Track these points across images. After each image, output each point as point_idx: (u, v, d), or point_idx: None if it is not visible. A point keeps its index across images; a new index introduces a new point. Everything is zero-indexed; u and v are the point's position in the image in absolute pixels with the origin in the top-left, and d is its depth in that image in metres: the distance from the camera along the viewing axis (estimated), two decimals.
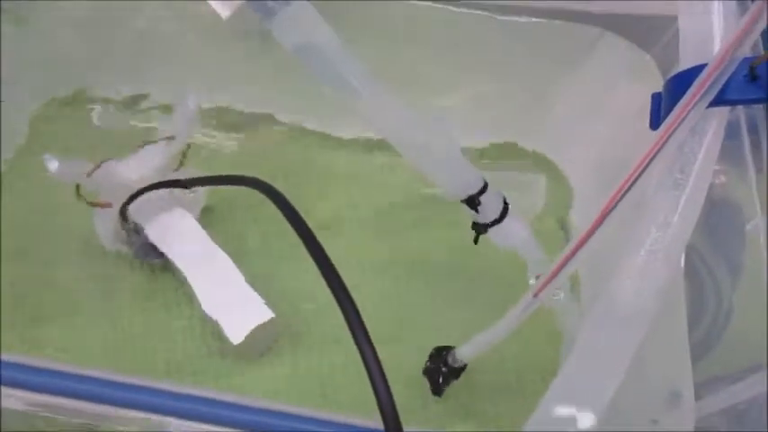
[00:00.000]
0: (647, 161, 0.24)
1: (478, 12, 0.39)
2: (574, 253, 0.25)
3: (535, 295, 0.26)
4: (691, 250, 0.32)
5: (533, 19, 0.38)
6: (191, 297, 0.38)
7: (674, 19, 0.28)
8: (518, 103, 0.43)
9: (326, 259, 0.23)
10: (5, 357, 0.23)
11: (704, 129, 0.24)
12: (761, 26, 0.23)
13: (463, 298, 0.41)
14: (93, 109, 0.46)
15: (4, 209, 0.41)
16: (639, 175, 0.24)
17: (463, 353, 0.31)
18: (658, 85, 0.35)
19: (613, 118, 0.39)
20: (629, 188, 0.24)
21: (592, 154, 0.41)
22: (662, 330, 0.26)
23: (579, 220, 0.42)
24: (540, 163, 0.45)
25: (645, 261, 0.25)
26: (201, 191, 0.40)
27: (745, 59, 0.23)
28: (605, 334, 0.25)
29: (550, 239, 0.42)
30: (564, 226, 0.43)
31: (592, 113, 0.41)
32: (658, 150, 0.23)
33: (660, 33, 0.37)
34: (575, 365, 0.25)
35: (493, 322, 0.38)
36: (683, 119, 0.23)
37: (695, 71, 0.24)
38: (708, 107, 0.23)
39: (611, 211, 0.24)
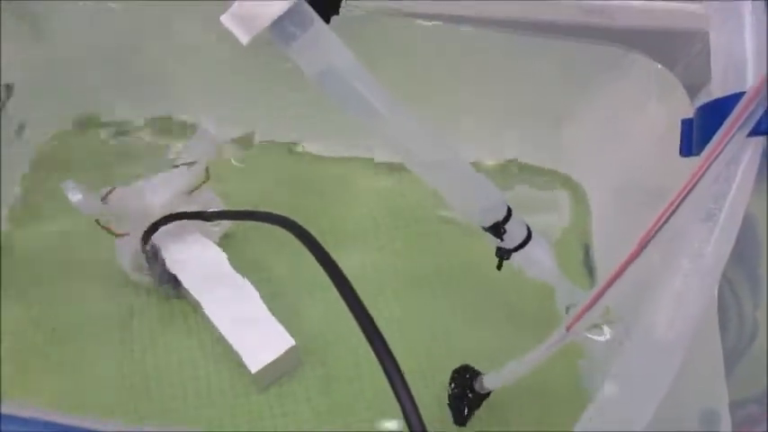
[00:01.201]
0: (685, 193, 0.23)
1: (503, 32, 0.39)
2: (607, 287, 0.24)
3: (567, 329, 0.25)
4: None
5: (559, 40, 0.38)
6: (209, 324, 0.37)
7: (699, 35, 0.28)
8: (542, 123, 0.42)
9: (354, 295, 0.22)
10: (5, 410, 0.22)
11: (739, 158, 0.23)
12: None
13: (484, 315, 0.40)
14: (110, 131, 0.46)
15: (23, 232, 0.41)
16: (677, 208, 0.23)
17: (490, 381, 0.31)
18: (684, 105, 0.35)
19: (638, 138, 0.39)
20: (666, 220, 0.23)
21: (615, 174, 0.41)
22: (697, 350, 0.26)
23: (601, 239, 0.42)
24: (564, 182, 0.45)
25: (679, 291, 0.24)
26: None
27: None
28: (641, 362, 0.25)
29: (572, 259, 0.42)
30: (586, 246, 0.42)
31: (616, 133, 0.41)
32: (697, 182, 0.23)
33: (684, 51, 0.37)
34: (611, 392, 0.25)
35: (513, 341, 0.38)
36: (722, 150, 0.22)
37: (731, 100, 0.23)
38: (747, 136, 0.23)
39: (647, 243, 0.23)
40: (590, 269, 0.41)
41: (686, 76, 0.37)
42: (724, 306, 0.33)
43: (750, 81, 0.23)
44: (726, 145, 0.22)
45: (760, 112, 0.22)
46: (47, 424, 0.22)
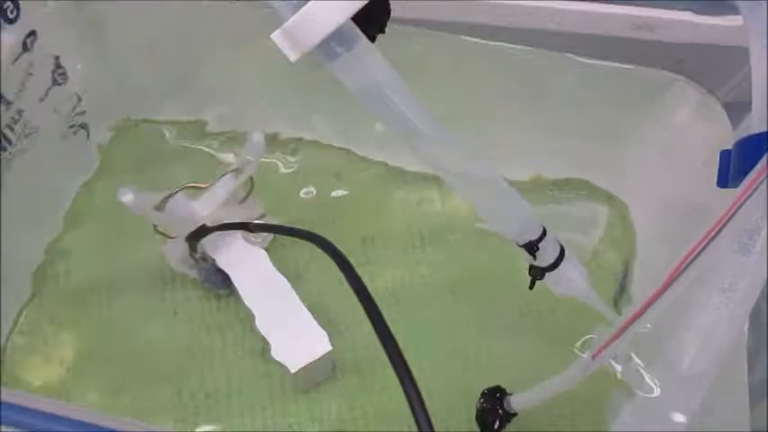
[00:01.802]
0: (719, 227, 0.23)
1: (555, 52, 0.39)
2: (639, 315, 0.24)
3: (594, 357, 0.25)
4: None
5: (612, 63, 0.39)
6: (251, 325, 0.38)
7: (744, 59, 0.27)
8: (587, 141, 0.43)
9: (381, 318, 0.23)
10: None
11: None
12: None
13: (518, 328, 0.41)
14: (162, 135, 0.48)
15: (77, 231, 0.44)
16: (712, 239, 0.23)
17: (515, 403, 0.31)
18: (726, 132, 0.35)
19: (680, 162, 0.39)
20: (701, 251, 0.24)
21: (657, 195, 0.41)
22: (721, 385, 0.26)
23: (642, 259, 0.42)
24: (605, 200, 0.45)
25: (709, 324, 0.24)
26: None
27: None
28: (667, 391, 0.25)
29: (609, 277, 0.42)
30: (625, 265, 0.42)
31: (660, 155, 0.41)
32: (731, 217, 0.23)
33: (735, 68, 0.36)
34: (629, 424, 0.25)
35: (547, 356, 0.38)
36: (757, 188, 0.22)
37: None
38: None
39: (680, 273, 0.24)
40: (627, 289, 0.42)
41: (737, 93, 0.37)
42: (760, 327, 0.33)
43: None
44: (760, 183, 0.22)
45: None
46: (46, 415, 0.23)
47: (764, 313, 0.31)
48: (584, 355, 0.26)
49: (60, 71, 0.40)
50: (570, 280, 0.32)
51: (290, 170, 0.46)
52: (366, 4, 0.28)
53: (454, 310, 0.41)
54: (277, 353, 0.36)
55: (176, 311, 0.41)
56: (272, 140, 0.46)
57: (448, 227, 0.44)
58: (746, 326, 0.29)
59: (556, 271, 0.32)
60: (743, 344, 0.29)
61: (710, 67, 0.39)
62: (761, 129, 0.24)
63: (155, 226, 0.37)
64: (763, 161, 0.22)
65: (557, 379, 0.27)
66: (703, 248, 0.23)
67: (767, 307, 0.31)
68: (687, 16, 0.41)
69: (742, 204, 0.22)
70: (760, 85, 0.25)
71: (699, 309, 0.24)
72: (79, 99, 0.42)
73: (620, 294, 0.41)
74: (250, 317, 0.39)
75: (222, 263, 0.39)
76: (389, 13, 0.32)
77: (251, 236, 0.38)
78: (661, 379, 0.25)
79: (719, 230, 0.23)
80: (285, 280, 0.39)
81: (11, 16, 0.35)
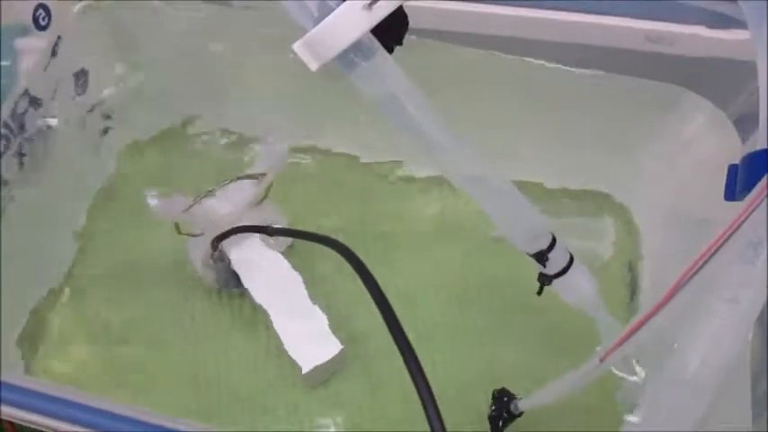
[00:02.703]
0: (724, 238, 0.24)
1: (572, 68, 0.40)
2: (644, 323, 0.25)
3: (601, 360, 0.26)
4: None
5: (623, 76, 0.40)
6: (266, 325, 0.40)
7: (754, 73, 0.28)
8: (598, 152, 0.43)
9: (397, 321, 0.24)
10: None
11: None
12: None
13: (527, 332, 0.41)
14: (186, 140, 0.49)
15: (103, 229, 0.45)
16: (715, 252, 0.24)
17: (523, 405, 0.32)
18: (734, 145, 0.36)
19: (688, 174, 0.39)
20: (705, 263, 0.24)
21: (665, 206, 0.41)
22: (725, 394, 0.26)
23: (648, 270, 0.42)
24: (615, 210, 0.45)
25: (713, 334, 0.25)
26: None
27: None
28: (670, 399, 0.26)
29: (617, 288, 0.42)
30: (632, 272, 0.43)
31: (668, 167, 0.41)
32: (736, 229, 0.23)
33: (740, 89, 0.37)
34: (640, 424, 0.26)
35: (555, 360, 0.39)
36: (761, 201, 0.23)
37: None
38: None
39: (684, 285, 0.24)
40: (635, 295, 0.42)
41: (747, 107, 0.38)
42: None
43: None
44: (764, 199, 0.23)
45: None
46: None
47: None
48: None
49: (83, 76, 0.42)
50: (579, 287, 0.33)
51: (311, 174, 0.48)
52: (385, 17, 0.29)
53: (465, 315, 0.42)
54: (291, 352, 0.37)
55: (194, 316, 0.42)
56: (293, 147, 0.47)
57: (463, 233, 0.45)
58: (750, 336, 0.29)
59: (564, 277, 0.33)
60: (746, 354, 0.29)
61: (721, 82, 0.39)
62: (766, 145, 0.24)
63: (177, 226, 0.38)
64: (765, 179, 0.23)
65: (564, 381, 0.28)
66: (708, 259, 0.24)
67: None
68: (699, 30, 0.41)
69: (747, 218, 0.23)
70: (766, 101, 0.25)
71: (703, 318, 0.24)
72: (102, 103, 0.43)
73: (630, 300, 0.41)
74: (264, 318, 0.40)
75: (237, 264, 0.40)
76: (407, 25, 0.33)
77: (270, 239, 0.39)
78: (666, 386, 0.26)
79: (724, 242, 0.23)
80: (300, 281, 0.39)
81: (42, 23, 0.37)
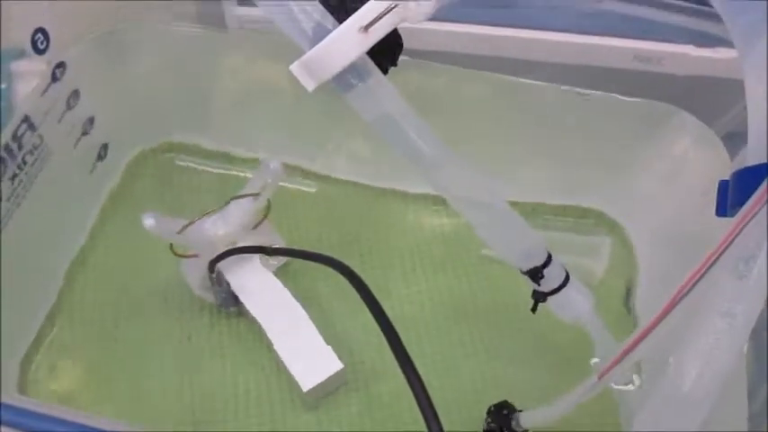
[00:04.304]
0: (717, 254, 0.24)
1: (559, 85, 0.41)
2: (641, 339, 0.25)
3: (599, 378, 0.26)
4: None
5: (615, 95, 0.40)
6: (265, 345, 0.40)
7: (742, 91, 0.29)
8: (592, 170, 0.44)
9: (395, 335, 0.24)
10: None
11: None
12: None
13: (522, 352, 0.41)
14: (182, 160, 0.49)
15: (94, 255, 0.45)
16: (710, 267, 0.24)
17: (526, 420, 0.32)
18: (724, 164, 0.36)
19: (681, 191, 0.40)
20: (699, 278, 0.24)
21: (659, 222, 0.42)
22: (722, 408, 0.26)
23: (643, 286, 0.42)
24: (609, 227, 0.46)
25: (709, 348, 0.25)
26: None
27: None
28: (667, 414, 0.26)
29: (613, 305, 0.43)
30: (629, 290, 0.43)
31: (661, 184, 0.42)
32: (728, 246, 0.24)
33: (726, 108, 0.38)
34: None
35: (551, 379, 0.39)
36: (752, 217, 0.23)
37: (764, 169, 0.24)
38: None
39: (679, 301, 0.24)
40: (632, 313, 0.42)
41: (736, 124, 0.38)
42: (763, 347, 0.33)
43: None
44: (755, 214, 0.23)
45: None
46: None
47: (764, 342, 0.32)
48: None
49: (76, 98, 0.42)
50: (575, 304, 0.33)
51: (306, 196, 0.48)
52: (380, 39, 0.30)
53: (460, 335, 0.42)
54: (291, 370, 0.37)
55: (190, 336, 0.42)
56: (288, 168, 0.47)
57: (456, 253, 0.45)
58: (745, 350, 0.30)
59: (560, 294, 0.33)
60: (743, 368, 0.30)
61: (709, 99, 0.40)
62: (756, 161, 0.25)
63: (171, 246, 0.38)
64: (758, 192, 0.23)
65: (565, 398, 0.28)
66: (702, 275, 0.24)
67: None
68: (687, 49, 0.42)
69: (739, 233, 0.23)
70: (755, 118, 0.26)
71: (699, 333, 0.25)
72: (92, 123, 0.43)
73: (626, 315, 0.42)
74: (262, 336, 0.40)
75: (235, 285, 0.40)
76: (402, 47, 0.34)
77: (270, 259, 0.39)
78: (663, 401, 0.26)
79: (718, 258, 0.24)
80: (297, 302, 0.40)
81: (41, 47, 0.37)
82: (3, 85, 0.40)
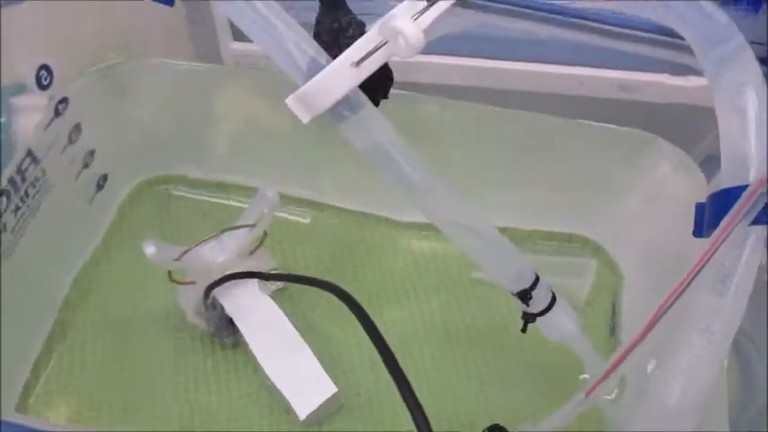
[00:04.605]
0: (694, 273, 0.25)
1: (549, 116, 0.42)
2: (625, 355, 0.26)
3: (586, 395, 0.27)
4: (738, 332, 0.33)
5: (597, 123, 0.42)
6: (260, 372, 0.40)
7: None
8: (576, 196, 0.45)
9: (393, 358, 0.25)
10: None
11: (744, 244, 0.25)
12: None
13: (513, 373, 0.42)
14: (178, 190, 0.50)
15: (95, 280, 0.46)
16: (687, 286, 0.25)
17: None
18: (701, 186, 0.38)
19: (660, 213, 0.41)
20: (678, 296, 0.26)
21: (641, 244, 0.43)
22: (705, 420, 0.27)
23: (628, 307, 0.43)
24: (595, 252, 0.47)
25: (691, 365, 0.26)
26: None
27: None
28: (656, 428, 0.27)
29: (599, 326, 0.44)
30: (614, 312, 0.44)
31: (642, 208, 0.43)
32: (704, 264, 0.25)
33: (703, 134, 0.39)
34: None
35: (541, 399, 0.40)
36: (726, 237, 0.25)
37: (736, 191, 0.25)
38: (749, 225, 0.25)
39: (660, 317, 0.26)
40: (616, 334, 0.43)
41: (714, 148, 0.40)
42: (749, 367, 0.34)
43: (753, 176, 0.25)
44: (729, 233, 0.24)
45: (760, 206, 0.24)
46: None
47: (749, 365, 0.33)
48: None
49: (77, 132, 0.43)
50: (562, 324, 0.34)
51: (300, 225, 0.49)
52: (371, 73, 0.31)
53: (453, 357, 0.43)
54: (287, 396, 0.38)
55: (188, 364, 0.42)
56: (282, 197, 0.48)
57: (447, 276, 0.46)
58: (726, 364, 0.31)
59: (548, 315, 0.34)
60: (724, 382, 0.31)
61: (688, 125, 0.42)
62: (729, 184, 0.26)
63: (169, 273, 0.39)
64: (730, 214, 0.25)
65: (554, 416, 0.29)
66: (681, 293, 0.25)
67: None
68: (663, 78, 0.44)
69: (713, 253, 0.25)
70: (726, 144, 0.27)
71: (681, 349, 0.26)
72: (92, 155, 0.44)
73: (610, 336, 0.43)
74: (255, 363, 0.40)
75: (231, 311, 0.40)
76: (392, 81, 0.35)
77: (267, 284, 0.39)
78: (651, 415, 0.27)
79: (695, 276, 0.25)
80: (292, 327, 0.40)
81: (44, 83, 0.38)
82: (2, 119, 0.42)
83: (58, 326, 0.43)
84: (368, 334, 0.25)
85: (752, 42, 0.29)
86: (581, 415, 0.29)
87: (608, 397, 0.33)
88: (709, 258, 0.25)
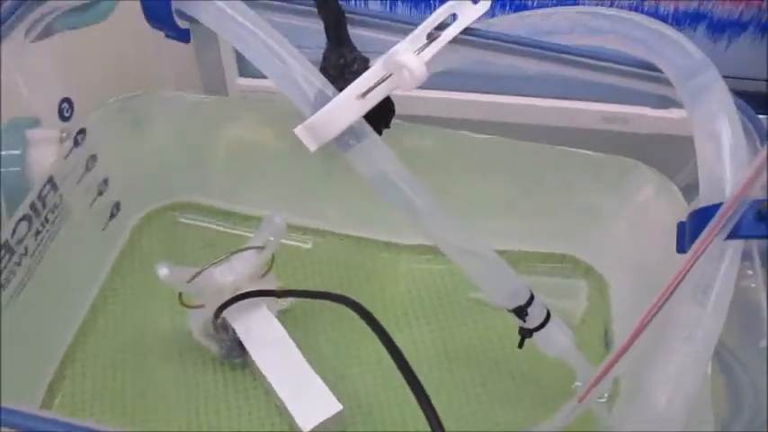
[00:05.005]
0: (675, 284, 0.27)
1: (534, 143, 0.45)
2: (614, 362, 0.28)
3: (579, 401, 0.29)
4: (723, 348, 0.35)
5: (584, 151, 0.44)
6: (266, 391, 0.42)
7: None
8: (566, 219, 0.48)
9: (404, 361, 0.27)
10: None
11: (722, 257, 0.27)
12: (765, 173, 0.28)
13: (510, 389, 0.44)
14: (186, 218, 0.52)
15: (107, 304, 0.47)
16: (670, 296, 0.28)
17: None
18: (682, 208, 0.40)
19: (646, 234, 0.43)
20: (661, 306, 0.28)
21: (629, 265, 0.45)
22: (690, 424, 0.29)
23: (619, 323, 0.45)
24: (586, 272, 0.49)
25: (675, 370, 0.28)
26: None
27: (755, 202, 0.27)
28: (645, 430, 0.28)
29: (593, 342, 0.45)
30: (606, 329, 0.46)
31: (629, 230, 0.46)
32: (684, 275, 0.27)
33: (684, 162, 0.42)
34: None
35: (537, 412, 0.41)
36: (704, 250, 0.27)
37: (713, 209, 0.27)
38: (724, 240, 0.27)
39: (645, 326, 0.28)
40: (609, 346, 0.45)
41: (695, 176, 0.43)
42: (736, 383, 0.36)
43: (728, 194, 0.28)
44: (707, 246, 0.26)
45: (735, 220, 0.27)
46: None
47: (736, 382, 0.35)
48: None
49: (93, 161, 0.45)
50: (557, 339, 0.36)
51: (305, 250, 0.51)
52: (375, 104, 0.33)
53: (452, 375, 0.44)
54: (293, 414, 0.39)
55: (198, 386, 0.44)
56: (286, 225, 0.50)
57: (446, 297, 0.48)
58: (709, 370, 0.32)
59: (543, 330, 0.36)
60: (707, 387, 0.32)
61: (669, 155, 0.44)
62: (705, 203, 0.28)
63: (180, 297, 0.41)
64: (707, 228, 0.27)
65: (549, 422, 0.31)
66: (664, 303, 0.27)
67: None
68: (645, 111, 0.47)
69: (693, 264, 0.27)
70: (703, 167, 0.30)
71: (666, 357, 0.28)
72: (106, 183, 0.47)
73: (606, 352, 0.45)
74: (264, 384, 0.42)
75: (240, 332, 0.42)
76: (394, 112, 0.38)
77: (278, 302, 0.41)
78: (641, 421, 0.28)
79: (676, 287, 0.27)
80: (296, 346, 0.42)
81: (66, 115, 0.41)
82: (18, 151, 0.44)
83: (70, 350, 0.44)
84: (383, 344, 0.27)
85: (724, 76, 0.32)
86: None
87: (600, 400, 0.35)
88: (689, 270, 0.27)
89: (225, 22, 0.33)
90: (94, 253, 0.47)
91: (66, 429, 0.25)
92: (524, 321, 0.36)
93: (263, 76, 0.44)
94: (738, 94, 0.32)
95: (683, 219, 0.30)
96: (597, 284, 0.49)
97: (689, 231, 0.29)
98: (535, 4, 0.45)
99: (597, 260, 0.49)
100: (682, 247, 0.30)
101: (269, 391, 0.42)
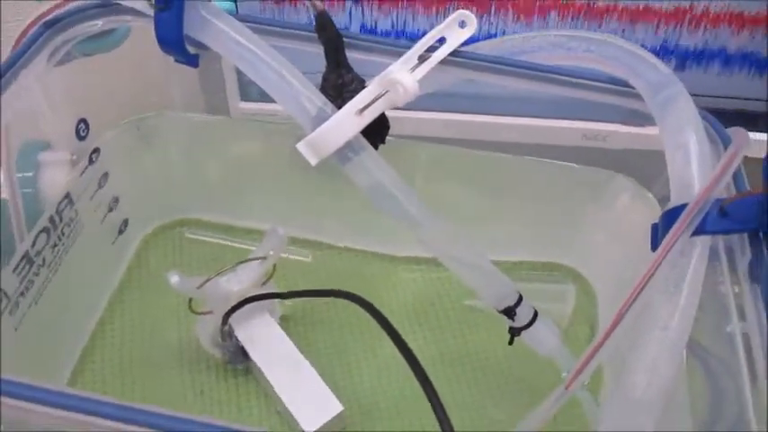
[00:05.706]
0: (647, 277, 0.30)
1: (521, 156, 0.47)
2: (596, 350, 0.30)
3: (566, 387, 0.31)
4: (705, 353, 0.37)
5: (567, 163, 0.47)
6: (268, 396, 0.43)
7: None
8: (552, 228, 0.50)
9: (410, 352, 0.28)
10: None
11: (691, 252, 0.30)
12: (728, 175, 0.31)
13: (502, 389, 0.46)
14: (192, 233, 0.55)
15: (115, 316, 0.49)
16: (643, 288, 0.30)
17: None
18: (657, 212, 0.43)
19: (626, 240, 0.46)
20: (636, 297, 0.30)
21: (612, 268, 0.48)
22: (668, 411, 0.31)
23: (605, 324, 0.47)
24: (572, 276, 0.52)
25: (652, 358, 0.30)
26: (277, 302, 0.47)
27: (717, 200, 0.30)
28: (623, 419, 0.30)
29: (581, 342, 0.48)
30: (593, 330, 0.49)
31: (610, 236, 0.48)
32: (655, 269, 0.29)
33: (660, 173, 0.45)
34: None
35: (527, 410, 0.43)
36: (672, 245, 0.29)
37: (681, 209, 0.30)
38: (691, 236, 0.30)
39: (623, 316, 0.30)
40: None
41: (662, 193, 0.45)
42: (719, 385, 0.38)
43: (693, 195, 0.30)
44: (675, 241, 0.29)
45: (700, 218, 0.29)
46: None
47: (717, 384, 0.37)
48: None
49: (105, 178, 0.47)
50: (545, 337, 0.38)
51: (304, 261, 0.53)
52: (371, 121, 0.36)
53: (447, 379, 0.46)
54: (296, 416, 0.41)
55: (203, 391, 0.45)
56: (289, 240, 0.52)
57: (440, 304, 0.50)
58: (685, 363, 0.35)
59: (531, 329, 0.38)
60: (684, 375, 0.35)
61: (645, 168, 0.47)
62: (676, 203, 0.31)
63: (190, 303, 0.43)
64: (675, 226, 0.29)
65: (536, 412, 0.32)
66: (639, 294, 0.29)
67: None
68: (618, 128, 0.50)
69: (664, 257, 0.29)
70: (673, 174, 0.32)
71: (643, 345, 0.30)
72: (117, 201, 0.49)
73: None
74: (267, 387, 0.43)
75: (243, 338, 0.44)
76: (389, 128, 0.40)
77: (279, 309, 0.43)
78: (621, 406, 0.30)
79: (649, 279, 0.29)
80: (297, 350, 0.44)
81: (82, 134, 0.43)
82: (31, 173, 0.46)
83: (80, 359, 0.46)
84: (392, 339, 0.29)
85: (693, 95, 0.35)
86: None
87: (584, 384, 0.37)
88: (660, 263, 0.29)
89: (233, 47, 0.35)
90: (105, 266, 0.49)
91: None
92: (513, 320, 0.38)
93: (264, 101, 0.47)
94: (739, 113, 0.34)
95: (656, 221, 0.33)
96: (583, 288, 0.51)
97: (661, 230, 0.32)
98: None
99: (582, 265, 0.52)
100: (655, 246, 0.32)
101: (271, 396, 0.44)
